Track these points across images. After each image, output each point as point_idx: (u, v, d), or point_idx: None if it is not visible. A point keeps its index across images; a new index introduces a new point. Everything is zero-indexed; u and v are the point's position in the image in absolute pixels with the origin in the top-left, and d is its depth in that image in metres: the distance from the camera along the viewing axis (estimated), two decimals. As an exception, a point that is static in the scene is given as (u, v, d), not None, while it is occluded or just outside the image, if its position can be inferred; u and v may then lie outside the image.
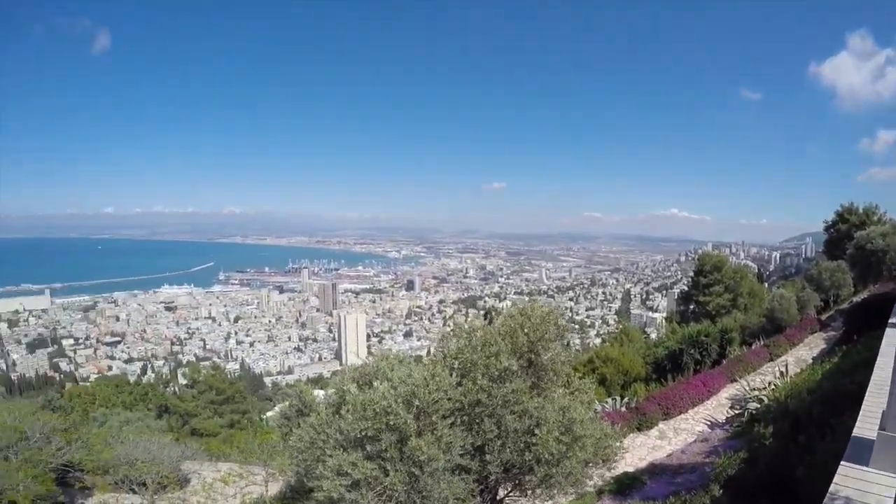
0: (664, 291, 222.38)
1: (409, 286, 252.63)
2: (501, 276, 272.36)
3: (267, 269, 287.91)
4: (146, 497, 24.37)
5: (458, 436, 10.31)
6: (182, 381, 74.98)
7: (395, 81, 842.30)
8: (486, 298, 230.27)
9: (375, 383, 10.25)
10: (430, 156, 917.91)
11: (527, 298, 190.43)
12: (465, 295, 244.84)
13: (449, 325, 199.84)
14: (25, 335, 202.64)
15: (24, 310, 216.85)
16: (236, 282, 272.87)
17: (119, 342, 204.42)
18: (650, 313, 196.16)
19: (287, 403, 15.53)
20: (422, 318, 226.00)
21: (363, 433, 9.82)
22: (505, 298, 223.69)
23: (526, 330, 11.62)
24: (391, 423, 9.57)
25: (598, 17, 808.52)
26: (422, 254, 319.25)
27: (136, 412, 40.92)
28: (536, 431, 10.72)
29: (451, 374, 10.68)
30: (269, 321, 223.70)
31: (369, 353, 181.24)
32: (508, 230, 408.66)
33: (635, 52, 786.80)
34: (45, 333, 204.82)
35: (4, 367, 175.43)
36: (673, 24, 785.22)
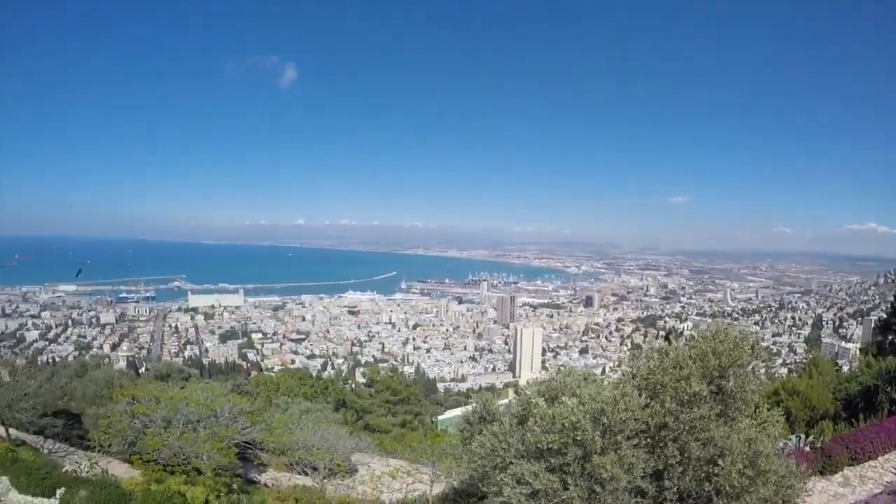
0: (859, 318, 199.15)
1: (588, 302, 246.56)
2: (683, 296, 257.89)
3: (447, 280, 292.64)
4: (316, 480, 25.99)
5: (640, 457, 10.16)
6: (360, 379, 77.46)
7: (582, 96, 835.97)
8: (667, 318, 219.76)
9: (563, 398, 10.33)
10: (612, 170, 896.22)
11: (709, 320, 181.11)
12: (645, 314, 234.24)
13: (626, 345, 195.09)
14: (219, 327, 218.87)
15: (220, 305, 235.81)
16: (417, 291, 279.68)
17: (303, 339, 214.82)
18: (843, 343, 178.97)
19: (470, 408, 15.70)
20: (598, 336, 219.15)
21: (549, 445, 9.92)
22: (686, 319, 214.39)
23: (717, 354, 11.04)
24: (577, 438, 9.63)
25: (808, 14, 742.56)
26: (601, 270, 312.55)
27: (316, 403, 42.66)
28: (719, 461, 10.22)
29: (639, 395, 10.39)
30: (447, 330, 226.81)
31: (543, 367, 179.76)
32: (691, 246, 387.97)
33: (846, 50, 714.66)
34: (237, 327, 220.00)
35: (198, 353, 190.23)
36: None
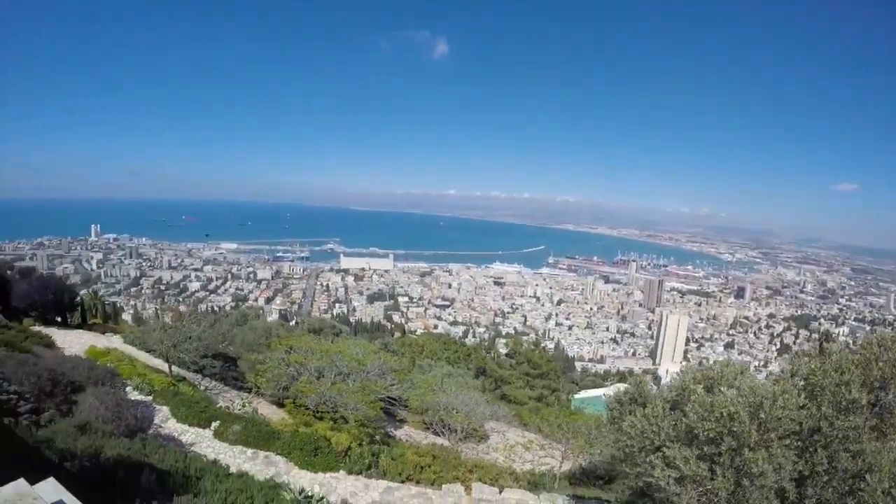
0: None
1: (739, 293, 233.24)
2: (842, 297, 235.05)
3: (595, 257, 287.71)
4: (452, 440, 26.48)
5: (790, 458, 10.11)
6: (502, 350, 77.60)
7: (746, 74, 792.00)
8: (822, 320, 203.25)
9: (722, 388, 10.29)
10: (775, 152, 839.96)
11: (867, 328, 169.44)
12: (799, 312, 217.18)
13: (775, 345, 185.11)
14: (368, 288, 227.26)
15: (370, 268, 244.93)
16: (564, 266, 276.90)
17: (447, 306, 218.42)
18: None
19: (623, 388, 15.80)
20: (746, 332, 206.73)
21: (704, 433, 9.98)
22: (843, 323, 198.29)
23: (881, 363, 10.51)
24: (733, 429, 9.63)
25: None
26: (756, 259, 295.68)
27: (458, 368, 43.00)
28: (867, 477, 9.70)
29: (798, 395, 10.13)
30: (591, 308, 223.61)
31: (685, 357, 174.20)
32: (856, 241, 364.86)
33: None
34: (385, 289, 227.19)
35: (346, 311, 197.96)
36: None
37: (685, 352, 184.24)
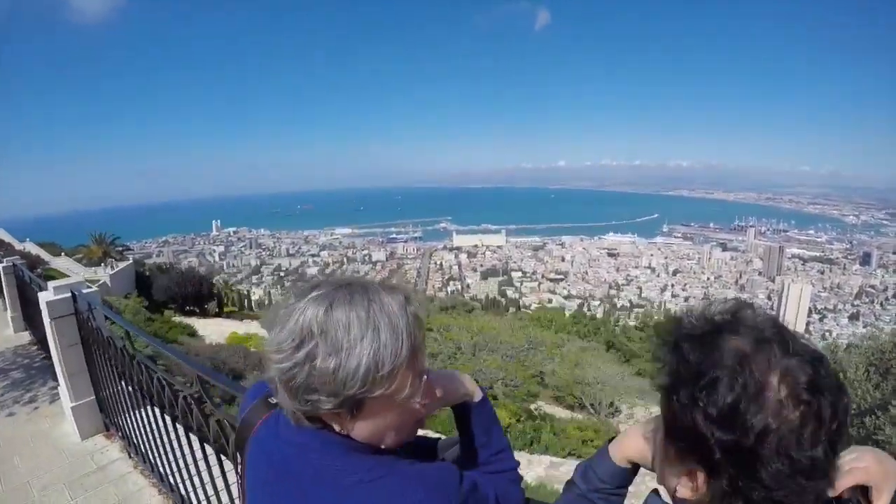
0: None
1: (865, 259, 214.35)
2: None
3: (711, 224, 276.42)
4: (598, 414, 26.42)
5: None
6: (631, 322, 76.71)
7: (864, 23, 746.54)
8: None
9: None
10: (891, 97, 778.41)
11: None
12: None
13: None
14: (481, 265, 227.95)
15: (482, 245, 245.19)
16: (679, 235, 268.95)
17: (561, 280, 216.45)
18: None
19: None
20: (872, 302, 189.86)
21: None
22: None
23: None
24: None
25: None
26: (884, 221, 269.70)
27: (589, 342, 42.48)
28: None
29: None
30: (707, 278, 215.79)
31: (807, 330, 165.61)
32: None
33: None
34: (498, 265, 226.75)
35: (460, 288, 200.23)
36: None
37: (807, 324, 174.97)
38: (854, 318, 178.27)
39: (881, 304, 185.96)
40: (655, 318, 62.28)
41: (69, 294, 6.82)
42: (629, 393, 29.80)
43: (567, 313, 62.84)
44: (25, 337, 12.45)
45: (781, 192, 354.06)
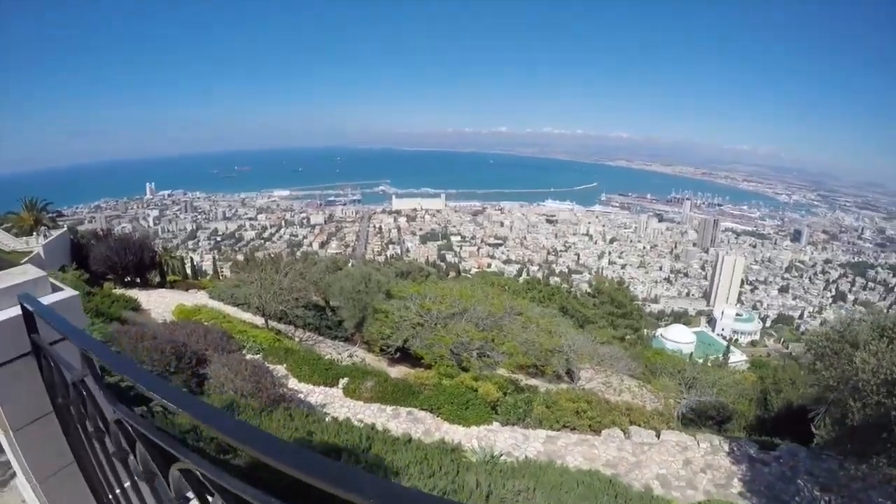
0: None
1: (795, 237, 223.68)
2: None
3: (649, 195, 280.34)
4: (569, 382, 25.89)
5: None
6: (585, 287, 77.31)
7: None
8: (879, 269, 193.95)
9: None
10: (842, 89, 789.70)
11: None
12: (856, 259, 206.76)
13: (830, 291, 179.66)
14: (420, 229, 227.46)
15: (422, 209, 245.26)
16: (617, 204, 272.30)
17: (500, 245, 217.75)
18: None
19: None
20: (801, 276, 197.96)
21: None
22: None
23: None
24: None
25: None
26: (814, 202, 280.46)
27: (546, 308, 41.87)
28: None
29: None
30: (644, 247, 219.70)
31: (738, 300, 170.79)
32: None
33: None
34: (437, 229, 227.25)
35: (399, 252, 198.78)
36: None
37: (739, 294, 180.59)
38: (784, 290, 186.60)
39: (810, 279, 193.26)
40: (607, 284, 61.99)
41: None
42: (590, 359, 29.09)
43: (507, 278, 62.70)
44: None
45: (718, 168, 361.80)
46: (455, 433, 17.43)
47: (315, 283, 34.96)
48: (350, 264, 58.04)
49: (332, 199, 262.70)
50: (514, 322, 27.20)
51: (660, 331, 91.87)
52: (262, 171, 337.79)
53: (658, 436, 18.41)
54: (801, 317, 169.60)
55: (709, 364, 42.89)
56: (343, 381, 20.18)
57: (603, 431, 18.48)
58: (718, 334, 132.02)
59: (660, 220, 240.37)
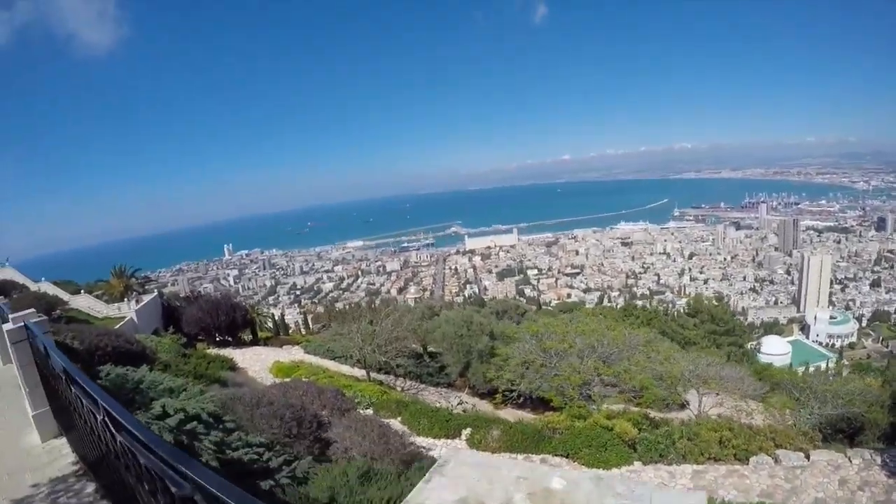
0: None
1: (880, 225, 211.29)
2: None
3: (722, 204, 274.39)
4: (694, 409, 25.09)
5: None
6: (683, 308, 76.23)
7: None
8: None
9: None
10: None
11: None
12: None
13: None
14: (496, 266, 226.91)
15: (495, 246, 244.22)
16: (691, 218, 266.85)
17: (577, 273, 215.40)
18: None
19: None
20: (893, 267, 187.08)
21: None
22: None
23: None
24: None
25: None
26: (894, 185, 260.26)
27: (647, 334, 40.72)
28: None
29: None
30: (724, 258, 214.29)
31: (830, 302, 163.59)
32: None
33: None
34: (513, 265, 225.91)
35: (477, 291, 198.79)
36: None
37: (829, 294, 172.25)
38: (876, 284, 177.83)
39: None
40: (705, 302, 60.08)
41: (23, 324, 8.06)
42: (716, 383, 27.72)
43: (605, 306, 61.87)
44: (61, 451, 8.24)
45: (789, 165, 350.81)
46: (597, 476, 15.96)
47: (413, 331, 34.25)
48: (443, 308, 57.33)
49: (406, 245, 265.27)
50: (638, 353, 26.07)
51: (751, 344, 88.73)
52: (334, 224, 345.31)
53: (808, 457, 17.19)
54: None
55: (812, 372, 41.36)
56: (466, 432, 19.17)
57: (751, 459, 17.18)
58: (814, 341, 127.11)
59: (737, 229, 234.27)
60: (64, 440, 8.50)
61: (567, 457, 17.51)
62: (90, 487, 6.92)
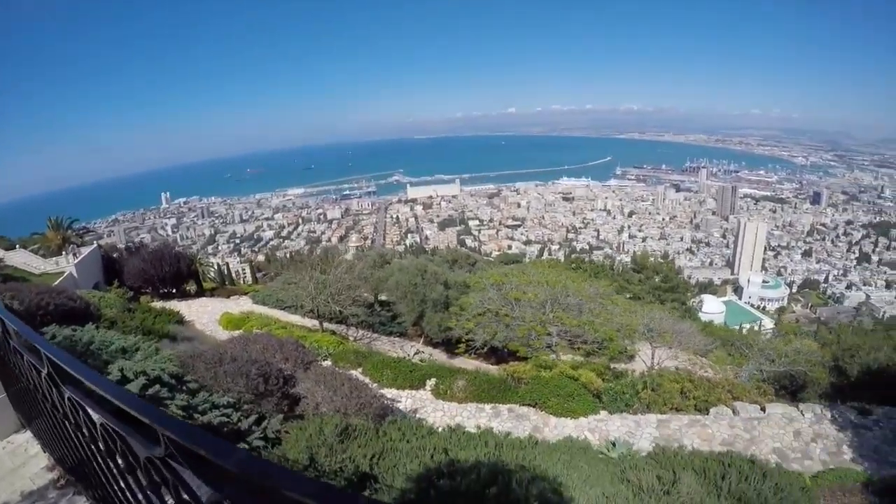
0: None
1: (815, 199, 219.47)
2: None
3: (664, 166, 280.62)
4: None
5: None
6: (629, 263, 77.51)
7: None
8: None
9: None
10: (851, 42, 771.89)
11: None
12: (878, 219, 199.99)
13: (853, 253, 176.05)
14: (437, 216, 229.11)
15: (437, 195, 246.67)
16: (632, 177, 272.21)
17: (519, 226, 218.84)
18: None
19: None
20: (824, 239, 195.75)
21: None
22: None
23: None
24: None
25: None
26: (831, 162, 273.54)
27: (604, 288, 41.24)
28: None
29: None
30: (663, 219, 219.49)
31: (762, 267, 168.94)
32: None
33: None
34: (454, 215, 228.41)
35: (419, 240, 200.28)
36: None
37: (763, 260, 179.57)
38: (807, 254, 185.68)
39: (832, 241, 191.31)
40: (651, 259, 61.06)
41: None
42: (670, 337, 28.19)
43: (555, 259, 62.39)
44: (28, 451, 6.68)
45: (731, 134, 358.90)
46: (565, 427, 16.66)
47: (365, 279, 33.95)
48: (395, 257, 56.96)
49: (347, 192, 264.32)
50: (597, 305, 26.22)
51: (692, 302, 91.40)
52: (274, 171, 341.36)
53: (763, 410, 18.06)
54: (826, 280, 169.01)
55: (744, 332, 42.57)
56: (430, 383, 18.89)
57: (711, 410, 17.97)
58: (746, 302, 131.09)
59: (677, 191, 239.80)
60: (29, 434, 6.84)
61: (535, 406, 17.61)
62: (81, 502, 5.43)
